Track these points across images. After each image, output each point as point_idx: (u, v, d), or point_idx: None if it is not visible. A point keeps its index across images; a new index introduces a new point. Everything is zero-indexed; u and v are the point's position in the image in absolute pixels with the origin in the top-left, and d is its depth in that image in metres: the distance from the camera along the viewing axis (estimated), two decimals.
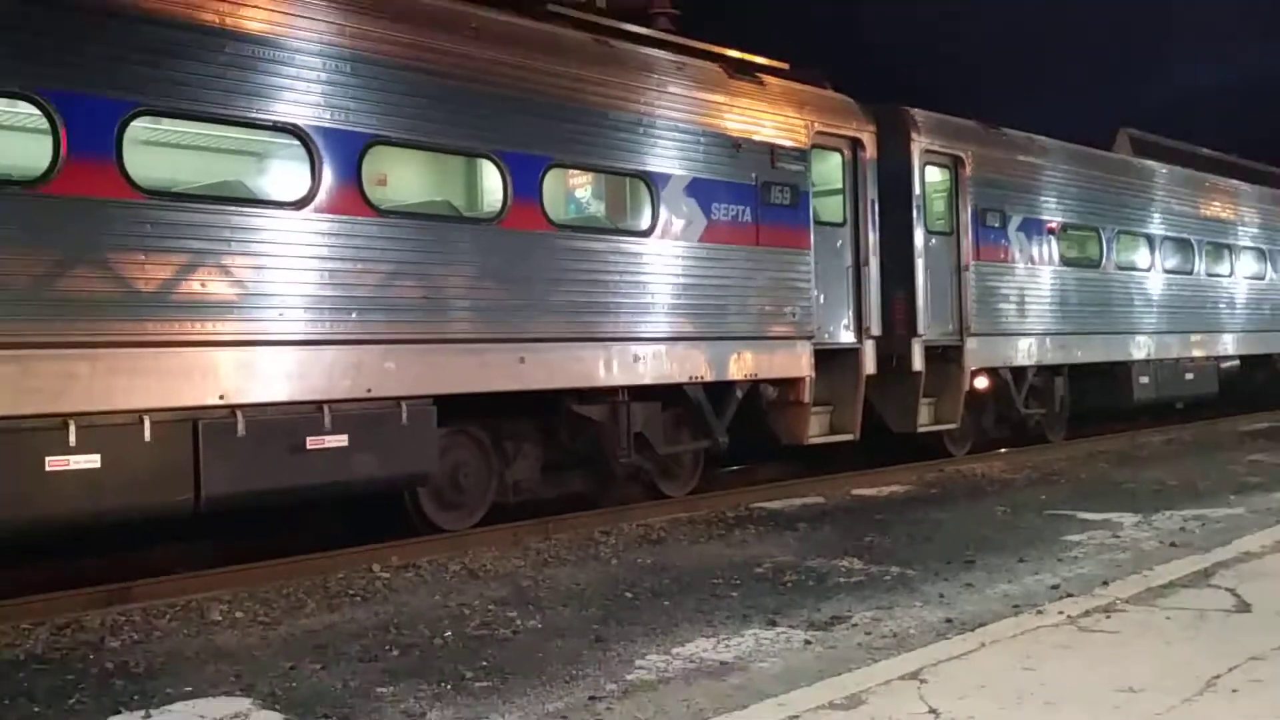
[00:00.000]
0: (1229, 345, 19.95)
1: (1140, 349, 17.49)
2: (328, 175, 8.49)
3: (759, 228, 11.59)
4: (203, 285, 7.83)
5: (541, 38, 10.13)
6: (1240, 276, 20.31)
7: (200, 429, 7.74)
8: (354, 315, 8.59)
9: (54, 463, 7.09)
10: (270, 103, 8.23)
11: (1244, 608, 6.33)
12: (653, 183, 10.71)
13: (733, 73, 11.81)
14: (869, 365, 12.81)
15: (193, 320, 7.78)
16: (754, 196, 11.56)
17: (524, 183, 9.64)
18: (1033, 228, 15.33)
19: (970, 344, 14.15)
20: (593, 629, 6.67)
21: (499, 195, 9.63)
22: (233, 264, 7.98)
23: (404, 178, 9.98)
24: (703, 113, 11.20)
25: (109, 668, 6.05)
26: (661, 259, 10.74)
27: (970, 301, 14.16)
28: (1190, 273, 19.00)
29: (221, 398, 7.88)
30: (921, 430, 13.85)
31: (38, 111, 7.25)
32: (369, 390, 8.64)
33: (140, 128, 7.83)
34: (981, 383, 14.54)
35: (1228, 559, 7.65)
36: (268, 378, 8.14)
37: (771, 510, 11.07)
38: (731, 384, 11.49)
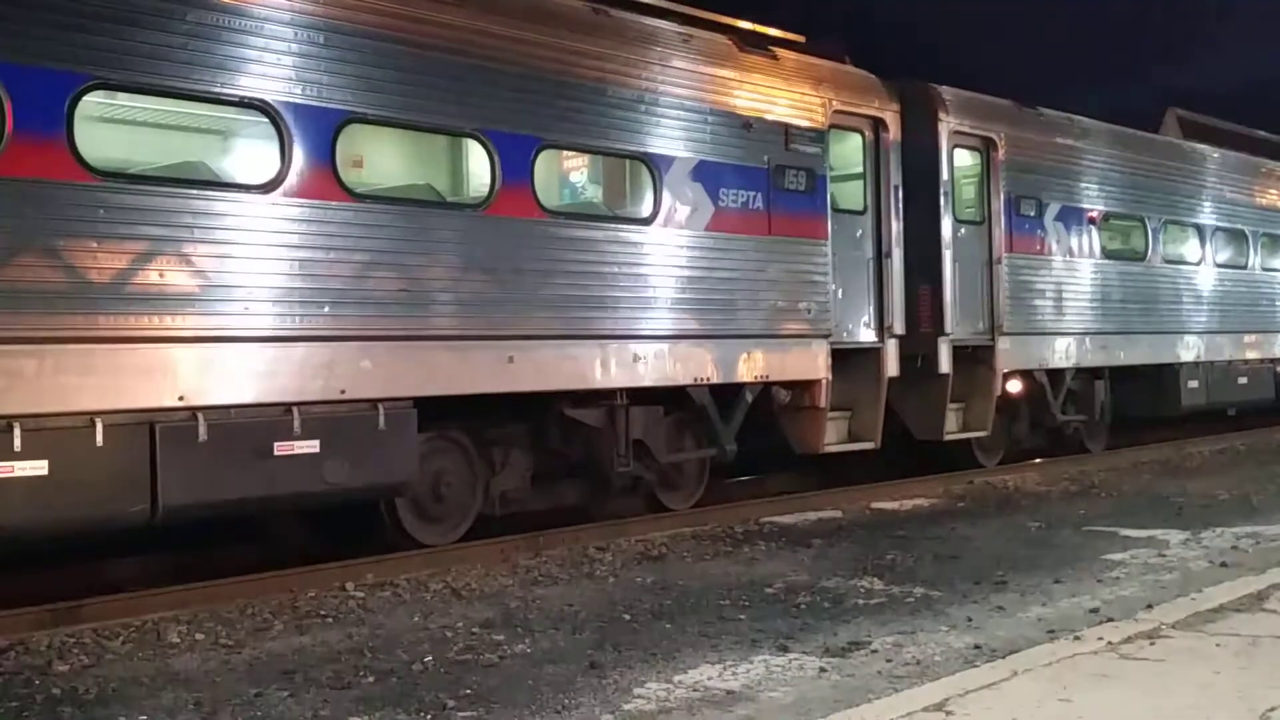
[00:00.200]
0: None
1: (1189, 350, 17.50)
2: (298, 156, 8.50)
3: (771, 215, 11.60)
4: (161, 276, 7.83)
5: (533, 5, 10.13)
6: None
7: (158, 433, 7.75)
8: (327, 309, 8.59)
9: None
10: (236, 76, 8.24)
11: None
12: (655, 166, 10.72)
13: (744, 46, 11.82)
14: (891, 367, 12.83)
15: (150, 314, 7.79)
16: (766, 181, 11.57)
17: (513, 165, 9.65)
18: (1072, 217, 15.34)
19: (1002, 344, 14.16)
20: (587, 654, 6.67)
21: (486, 179, 9.64)
22: (194, 253, 7.98)
23: (382, 159, 9.99)
24: (710, 89, 11.21)
25: (56, 694, 6.04)
26: (664, 249, 10.75)
27: (1003, 297, 14.17)
28: (1244, 267, 19.02)
29: (181, 399, 7.89)
30: (948, 438, 13.86)
31: None
32: (343, 391, 8.65)
33: (93, 103, 7.85)
34: (1014, 386, 14.56)
35: None
36: (232, 377, 8.15)
37: (783, 525, 11.07)
38: (740, 386, 11.50)
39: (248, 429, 8.19)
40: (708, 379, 11.13)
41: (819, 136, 12.13)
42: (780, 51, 12.21)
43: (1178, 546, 9.71)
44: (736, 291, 11.33)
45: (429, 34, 9.21)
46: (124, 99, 8.28)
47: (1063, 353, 15.19)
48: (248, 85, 8.30)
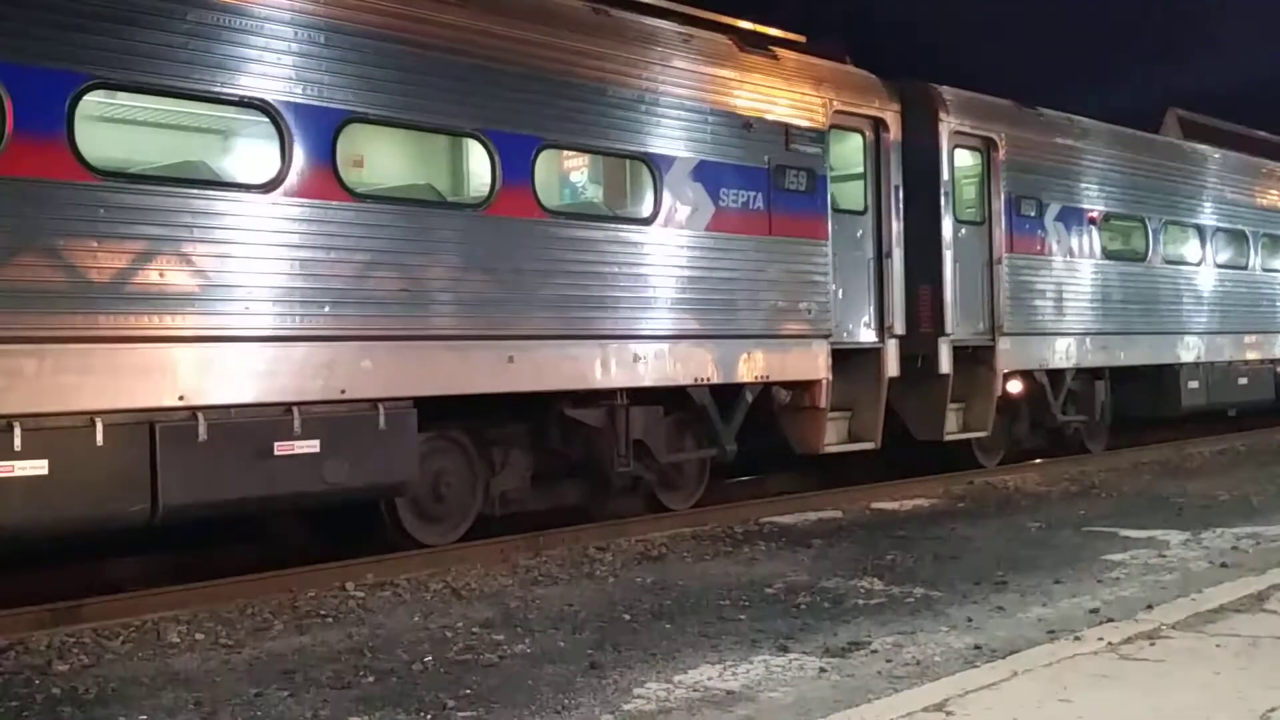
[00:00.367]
0: None
1: (1189, 351, 17.50)
2: (299, 155, 8.50)
3: (771, 215, 11.61)
4: (161, 275, 7.84)
5: (534, 5, 10.14)
6: None
7: (158, 432, 7.75)
8: (327, 309, 8.60)
9: None
10: (236, 76, 8.24)
11: None
12: (655, 166, 10.72)
13: (744, 46, 11.82)
14: (892, 367, 12.83)
15: (150, 313, 7.79)
16: (766, 181, 11.58)
17: (514, 165, 9.65)
18: (1072, 217, 15.35)
19: (1003, 344, 14.16)
20: (587, 654, 6.68)
21: (486, 179, 9.64)
22: (194, 252, 7.98)
23: (382, 159, 9.99)
24: (711, 89, 11.21)
25: (56, 694, 6.05)
26: (664, 249, 10.76)
27: (1003, 298, 14.17)
28: (1245, 267, 19.02)
29: (181, 399, 7.89)
30: (949, 438, 13.86)
31: None
32: (343, 391, 8.65)
33: (94, 103, 7.85)
34: (1015, 386, 14.56)
35: None
36: (232, 377, 8.15)
37: (784, 525, 11.08)
38: (740, 387, 11.50)
39: (248, 429, 8.19)
40: (708, 379, 11.13)
41: (819, 136, 12.13)
42: (781, 51, 12.21)
43: (1178, 547, 9.71)
44: (737, 291, 11.33)
45: (430, 34, 9.21)
46: (124, 98, 8.28)
47: (1063, 353, 15.19)
48: (248, 85, 8.30)
